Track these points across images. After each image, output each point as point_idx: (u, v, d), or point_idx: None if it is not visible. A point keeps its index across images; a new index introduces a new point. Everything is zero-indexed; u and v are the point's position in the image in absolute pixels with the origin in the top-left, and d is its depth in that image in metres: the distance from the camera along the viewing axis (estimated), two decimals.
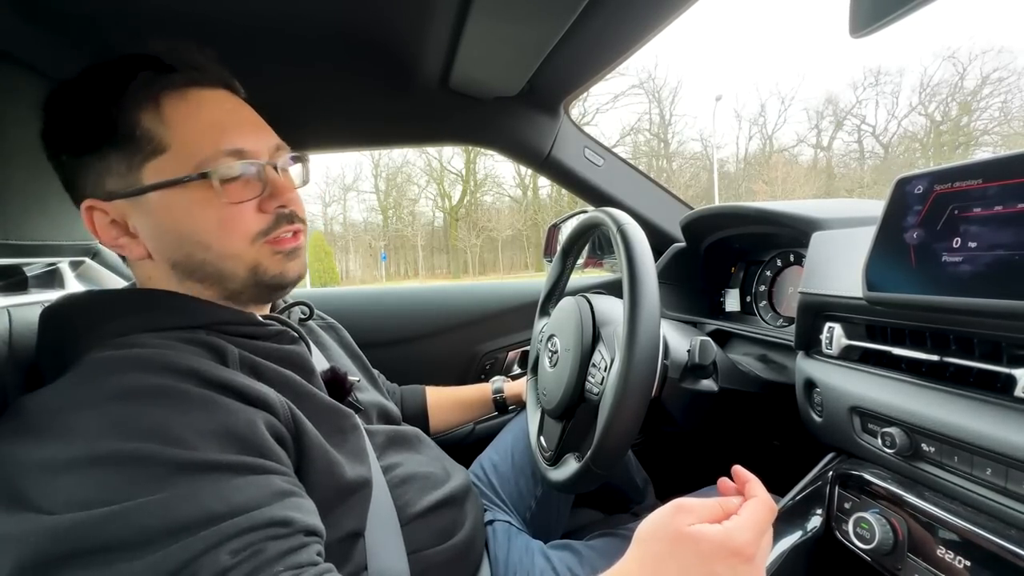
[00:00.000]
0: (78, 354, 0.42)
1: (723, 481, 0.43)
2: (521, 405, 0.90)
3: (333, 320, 0.77)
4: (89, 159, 0.47)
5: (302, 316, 0.66)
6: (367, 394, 0.67)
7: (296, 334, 0.56)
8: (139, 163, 0.46)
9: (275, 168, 0.51)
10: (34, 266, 0.75)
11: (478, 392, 0.92)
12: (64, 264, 0.81)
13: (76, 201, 0.49)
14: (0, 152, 0.56)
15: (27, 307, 0.56)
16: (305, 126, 1.00)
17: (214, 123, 0.48)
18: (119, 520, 0.32)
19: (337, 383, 0.58)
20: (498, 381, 0.93)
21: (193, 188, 0.46)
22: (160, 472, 0.35)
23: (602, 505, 0.95)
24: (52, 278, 0.79)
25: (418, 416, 0.87)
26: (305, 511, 0.40)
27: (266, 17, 0.72)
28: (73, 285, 0.83)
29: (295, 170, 0.56)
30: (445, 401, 0.91)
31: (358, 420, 0.55)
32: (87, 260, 0.89)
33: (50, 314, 0.48)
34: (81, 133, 0.47)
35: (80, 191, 0.49)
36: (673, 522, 0.37)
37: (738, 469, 0.43)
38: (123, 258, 0.53)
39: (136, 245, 0.49)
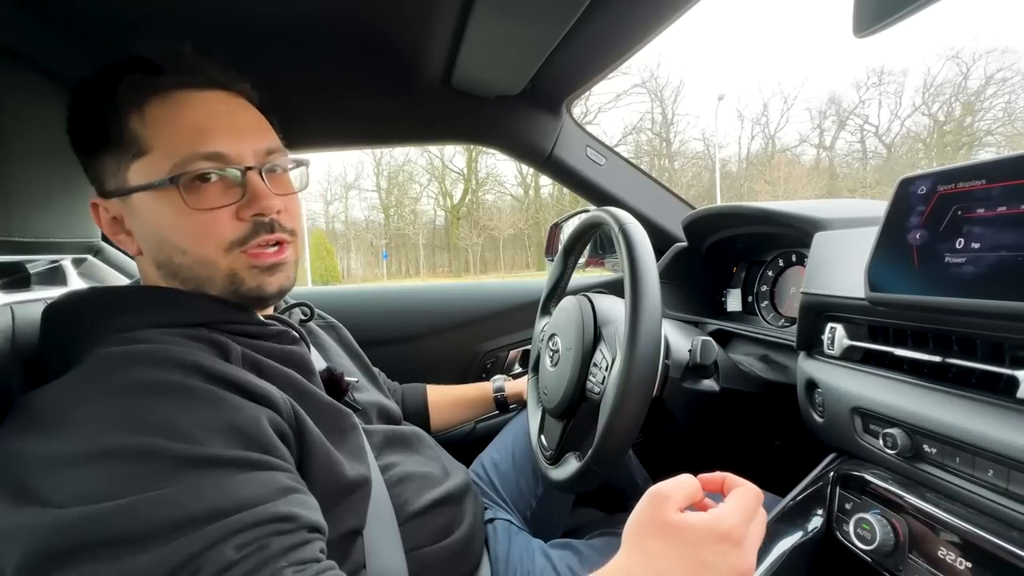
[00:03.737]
0: (83, 350, 0.42)
1: (703, 477, 0.42)
2: (522, 404, 0.90)
3: (334, 320, 0.77)
4: (91, 160, 0.50)
5: (303, 317, 0.66)
6: (366, 394, 0.67)
7: (297, 335, 0.56)
8: (126, 165, 0.47)
9: (260, 174, 0.49)
10: (37, 263, 0.75)
11: (479, 391, 0.93)
12: (67, 261, 0.81)
13: None
14: (4, 149, 0.56)
15: (30, 304, 0.56)
16: (307, 124, 1.00)
17: (195, 126, 0.47)
18: (126, 514, 0.33)
19: (334, 383, 0.58)
20: (499, 380, 0.93)
21: (168, 192, 0.46)
22: (167, 467, 0.35)
23: (602, 504, 0.95)
24: (55, 275, 0.80)
25: (419, 414, 0.87)
26: (308, 508, 0.40)
27: (269, 16, 0.72)
28: (75, 282, 0.83)
29: (296, 174, 0.55)
30: (446, 399, 0.91)
31: (356, 420, 0.56)
32: (89, 257, 0.89)
33: (54, 311, 0.48)
34: (82, 135, 0.50)
35: (93, 187, 0.51)
36: (657, 514, 0.38)
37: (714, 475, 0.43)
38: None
39: (132, 242, 0.51)
